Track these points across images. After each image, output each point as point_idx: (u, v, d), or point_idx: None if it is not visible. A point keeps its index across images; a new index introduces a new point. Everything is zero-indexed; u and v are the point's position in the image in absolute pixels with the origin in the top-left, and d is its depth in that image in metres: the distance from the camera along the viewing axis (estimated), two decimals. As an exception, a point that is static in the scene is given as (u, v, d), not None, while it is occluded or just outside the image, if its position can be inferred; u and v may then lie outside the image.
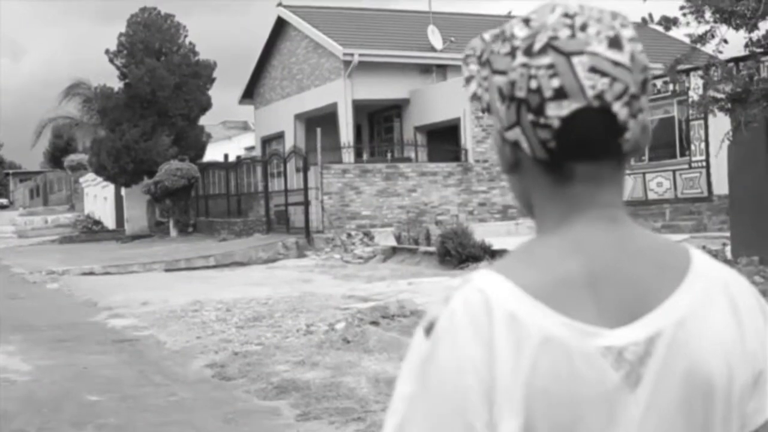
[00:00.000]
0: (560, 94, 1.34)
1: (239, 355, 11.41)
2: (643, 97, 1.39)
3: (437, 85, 33.71)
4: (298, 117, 37.67)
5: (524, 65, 1.36)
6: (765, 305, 1.47)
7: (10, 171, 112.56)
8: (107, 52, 40.85)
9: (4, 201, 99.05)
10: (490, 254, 21.62)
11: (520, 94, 1.37)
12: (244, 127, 63.79)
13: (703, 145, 26.69)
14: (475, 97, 1.49)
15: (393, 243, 26.01)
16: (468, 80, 1.49)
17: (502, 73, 1.39)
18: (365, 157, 34.20)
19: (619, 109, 1.36)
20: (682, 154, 27.73)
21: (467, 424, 1.28)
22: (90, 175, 53.40)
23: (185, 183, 38.56)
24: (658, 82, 28.36)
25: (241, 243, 30.70)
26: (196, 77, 40.83)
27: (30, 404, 9.54)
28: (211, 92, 41.89)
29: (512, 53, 1.38)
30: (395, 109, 35.32)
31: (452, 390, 1.30)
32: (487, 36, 1.46)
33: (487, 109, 1.47)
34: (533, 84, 1.35)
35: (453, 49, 34.51)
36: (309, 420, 8.16)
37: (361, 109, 34.50)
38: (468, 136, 31.29)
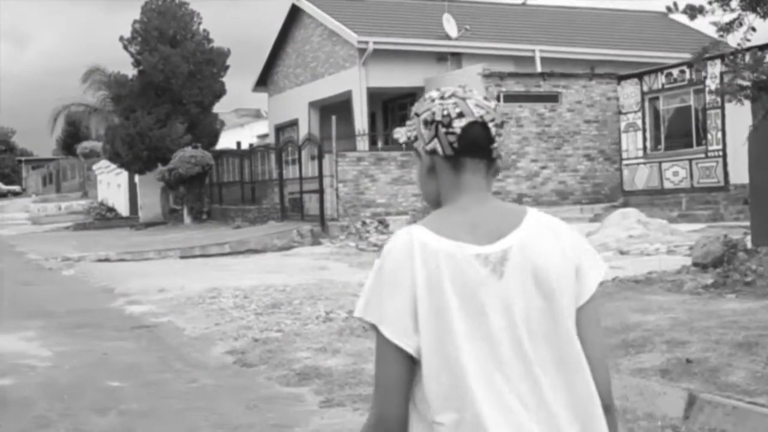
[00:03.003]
0: (460, 114, 2.46)
1: (259, 342, 11.37)
2: (503, 132, 2.51)
3: (452, 73, 33.56)
4: (312, 105, 37.59)
5: (440, 104, 2.48)
6: (577, 233, 2.53)
7: (23, 158, 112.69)
8: (121, 39, 40.87)
9: (16, 188, 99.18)
10: (506, 242, 21.57)
11: (438, 118, 2.47)
12: (257, 115, 63.71)
13: (719, 134, 26.55)
14: (408, 140, 2.57)
15: (408, 231, 25.88)
16: (406, 137, 2.58)
17: (425, 111, 2.50)
18: (380, 145, 34.11)
19: (492, 127, 2.48)
20: (699, 144, 27.60)
21: (403, 297, 2.34)
22: (103, 162, 53.42)
23: (199, 170, 38.54)
24: (675, 72, 28.27)
25: (255, 230, 30.67)
26: (210, 65, 40.81)
27: (51, 390, 9.52)
28: (224, 80, 41.87)
29: (432, 100, 2.51)
30: (410, 97, 35.16)
31: (393, 280, 2.36)
32: (414, 105, 2.58)
33: (413, 141, 2.54)
34: (445, 112, 2.46)
35: (468, 37, 34.44)
36: (332, 407, 8.12)
37: (375, 97, 34.42)
38: (483, 125, 31.14)
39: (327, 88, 35.87)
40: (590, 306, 2.45)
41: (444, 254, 2.34)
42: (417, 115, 2.51)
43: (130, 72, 41.28)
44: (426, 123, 2.47)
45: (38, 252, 28.68)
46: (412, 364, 2.34)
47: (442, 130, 2.45)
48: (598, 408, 2.40)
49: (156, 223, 41.46)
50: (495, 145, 2.48)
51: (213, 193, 40.77)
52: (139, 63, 40.45)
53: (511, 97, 31.44)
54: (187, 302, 15.47)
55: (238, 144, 42.76)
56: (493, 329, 2.33)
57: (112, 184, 53.93)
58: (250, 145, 42.69)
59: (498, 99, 31.20)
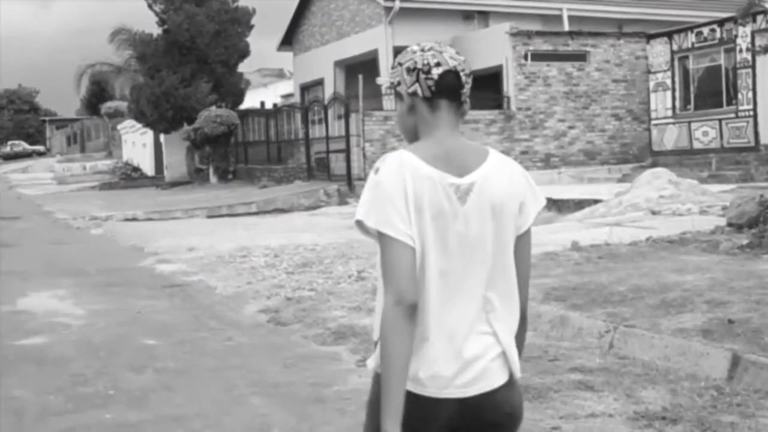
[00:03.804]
0: (438, 64, 2.96)
1: (293, 301, 11.34)
2: (470, 80, 3.02)
3: (479, 32, 33.36)
4: (337, 64, 37.41)
5: (421, 55, 2.97)
6: (526, 174, 3.06)
7: (46, 118, 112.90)
8: (146, -3, 40.70)
9: (41, 148, 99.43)
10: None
11: (419, 66, 2.96)
12: (280, 75, 63.52)
13: (750, 93, 26.30)
14: (390, 85, 3.08)
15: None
16: (389, 82, 3.09)
17: (408, 60, 2.99)
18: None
19: (462, 75, 2.99)
20: (729, 103, 27.35)
21: (400, 203, 2.82)
22: (128, 122, 53.44)
23: (225, 130, 38.48)
24: (705, 30, 27.97)
25: (281, 190, 30.65)
26: (235, 24, 40.64)
27: (86, 348, 9.52)
28: (248, 39, 41.68)
29: (414, 52, 3.00)
30: (436, 56, 34.91)
31: (389, 193, 2.83)
32: (399, 56, 3.06)
33: (396, 86, 3.04)
34: (425, 61, 2.96)
35: (496, -5, 34.19)
36: (370, 366, 8.06)
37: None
38: (510, 84, 30.97)
39: (353, 47, 35.67)
40: (527, 234, 3.04)
41: (426, 177, 2.85)
42: (400, 64, 3.02)
43: (155, 31, 41.18)
44: (409, 70, 2.98)
45: (65, 211, 28.76)
46: (414, 255, 2.83)
47: (422, 76, 2.97)
48: (518, 309, 3.04)
49: (182, 182, 41.49)
50: (464, 90, 3.01)
51: (238, 153, 40.73)
52: (164, 22, 40.30)
53: (538, 56, 31.21)
54: (217, 261, 15.47)
55: (262, 104, 42.64)
56: (450, 242, 2.88)
57: (137, 144, 53.95)
58: (274, 104, 42.57)
59: (525, 58, 31.01)
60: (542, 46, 31.36)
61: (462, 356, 2.89)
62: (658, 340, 7.63)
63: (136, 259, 16.87)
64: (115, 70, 50.79)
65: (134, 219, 25.61)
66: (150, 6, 40.63)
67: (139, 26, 42.82)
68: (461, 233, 2.89)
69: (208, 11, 39.60)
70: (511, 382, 2.98)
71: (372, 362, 2.99)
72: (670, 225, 15.30)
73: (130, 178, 48.86)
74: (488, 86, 32.02)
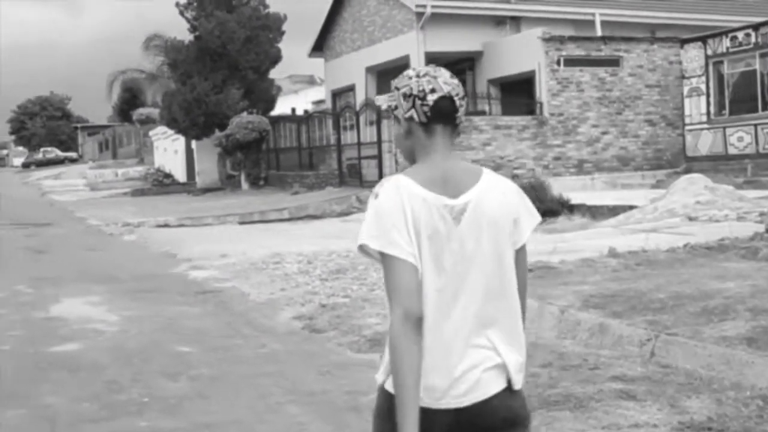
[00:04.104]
0: (433, 90, 3.07)
1: (327, 308, 11.25)
2: (464, 102, 3.13)
3: (511, 37, 33.21)
4: (369, 70, 37.34)
5: (416, 81, 3.09)
6: (520, 191, 3.18)
7: (78, 125, 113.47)
8: (177, 4, 40.80)
9: (73, 155, 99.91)
10: (569, 208, 21.25)
11: (414, 92, 3.08)
12: (311, 81, 63.60)
13: (787, 98, 26.01)
14: (389, 108, 3.21)
15: (468, 196, 25.67)
16: (387, 105, 3.95)
17: (405, 86, 3.11)
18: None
19: (456, 99, 3.10)
20: (764, 108, 27.06)
21: (400, 224, 2.94)
22: (160, 128, 53.57)
23: (256, 136, 38.49)
24: (740, 35, 27.70)
25: (313, 196, 30.60)
26: (266, 30, 40.62)
27: (120, 355, 9.47)
28: (279, 45, 41.66)
29: (410, 77, 3.11)
30: (468, 62, 34.84)
31: (390, 216, 2.95)
32: (395, 80, 3.18)
33: (394, 109, 3.15)
34: (420, 88, 3.07)
35: (527, 0, 34.00)
36: (406, 374, 7.94)
37: (433, 61, 33.67)
38: (543, 89, 30.77)
39: (384, 52, 35.59)
40: (522, 250, 3.17)
41: (422, 199, 2.98)
42: (397, 89, 3.14)
43: (187, 38, 41.24)
44: (405, 96, 3.10)
45: (98, 217, 28.83)
46: (417, 272, 2.96)
47: (418, 102, 3.08)
48: (521, 322, 3.15)
49: (213, 188, 41.54)
50: (458, 114, 3.14)
51: (270, 159, 40.72)
52: (196, 29, 40.37)
53: (571, 62, 31.01)
54: (250, 267, 15.41)
55: (293, 110, 42.60)
56: (445, 261, 3.00)
57: (168, 150, 54.06)
58: (305, 111, 42.53)
59: (558, 63, 30.83)
60: (575, 51, 31.16)
61: (456, 369, 2.99)
62: (701, 349, 7.47)
63: (169, 265, 16.85)
64: (147, 77, 50.91)
65: (166, 225, 25.62)
66: (181, 13, 40.73)
67: (170, 33, 42.96)
68: (456, 252, 3.01)
69: (239, 18, 39.63)
70: (510, 388, 3.07)
71: (381, 376, 3.11)
72: (707, 231, 15.10)
73: (161, 184, 48.98)
74: (520, 92, 31.92)
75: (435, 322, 2.99)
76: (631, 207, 19.88)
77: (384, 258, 2.97)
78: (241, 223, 25.92)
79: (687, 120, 29.49)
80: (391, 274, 2.96)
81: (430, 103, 3.07)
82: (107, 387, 8.13)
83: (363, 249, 3.02)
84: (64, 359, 9.39)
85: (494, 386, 3.03)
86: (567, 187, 24.46)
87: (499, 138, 29.92)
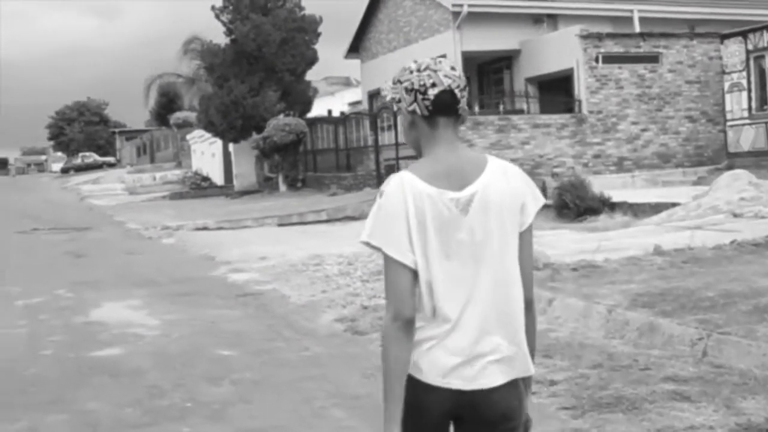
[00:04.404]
0: (433, 84, 3.14)
1: (369, 309, 11.12)
2: (465, 93, 3.19)
3: (548, 36, 32.95)
4: (405, 70, 37.14)
5: (417, 75, 3.16)
6: (525, 176, 3.25)
7: (116, 129, 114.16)
8: (213, 8, 40.80)
9: (111, 159, 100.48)
10: (610, 207, 20.99)
11: (416, 87, 3.15)
12: (346, 83, 63.55)
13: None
14: (392, 100, 3.25)
15: (507, 196, 25.47)
16: (391, 97, 3.26)
17: (406, 80, 3.18)
18: (476, 109, 33.62)
19: (457, 91, 3.16)
20: (807, 103, 26.67)
21: (400, 225, 3.04)
22: (197, 132, 53.66)
23: (293, 138, 38.42)
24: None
25: (351, 197, 30.50)
26: (302, 32, 40.54)
27: (161, 359, 9.39)
28: (315, 47, 41.58)
29: (411, 72, 3.18)
30: (505, 61, 34.63)
31: (392, 213, 3.05)
32: (396, 72, 3.25)
33: (398, 102, 3.22)
34: (421, 82, 3.14)
35: (565, -3, 33.77)
36: (452, 376, 7.80)
37: (470, 60, 33.83)
38: (582, 87, 30.51)
39: (421, 52, 35.36)
40: (529, 231, 3.24)
41: (427, 195, 3.06)
42: (399, 82, 3.21)
43: (223, 41, 41.28)
44: (407, 90, 3.18)
45: (137, 221, 28.87)
46: (413, 274, 3.07)
47: (420, 96, 3.15)
48: (522, 308, 3.22)
49: (251, 191, 41.52)
50: (460, 105, 3.19)
51: (307, 161, 40.67)
52: (231, 32, 40.35)
53: (609, 59, 30.73)
54: (290, 270, 15.31)
55: (329, 112, 42.51)
56: (454, 251, 3.09)
57: (206, 154, 54.15)
58: (342, 112, 42.42)
59: (596, 60, 30.56)
60: (613, 48, 30.86)
61: (465, 352, 3.10)
62: (755, 348, 7.28)
63: (208, 268, 16.79)
64: (185, 81, 51.02)
65: (205, 228, 25.59)
66: (217, 17, 40.74)
67: (207, 37, 43.00)
68: (466, 242, 3.11)
69: (274, 20, 39.58)
70: (513, 384, 3.18)
71: None
72: (753, 228, 14.83)
73: (199, 187, 49.05)
74: (559, 89, 31.66)
75: (448, 309, 3.09)
76: (674, 204, 19.59)
77: (384, 256, 3.09)
78: (280, 225, 25.86)
79: (728, 116, 29.10)
80: (388, 273, 3.09)
81: (431, 97, 3.14)
82: (149, 392, 8.05)
83: (367, 244, 3.13)
84: (105, 364, 9.32)
85: (499, 378, 3.13)
86: (607, 185, 24.17)
87: (538, 136, 29.70)
